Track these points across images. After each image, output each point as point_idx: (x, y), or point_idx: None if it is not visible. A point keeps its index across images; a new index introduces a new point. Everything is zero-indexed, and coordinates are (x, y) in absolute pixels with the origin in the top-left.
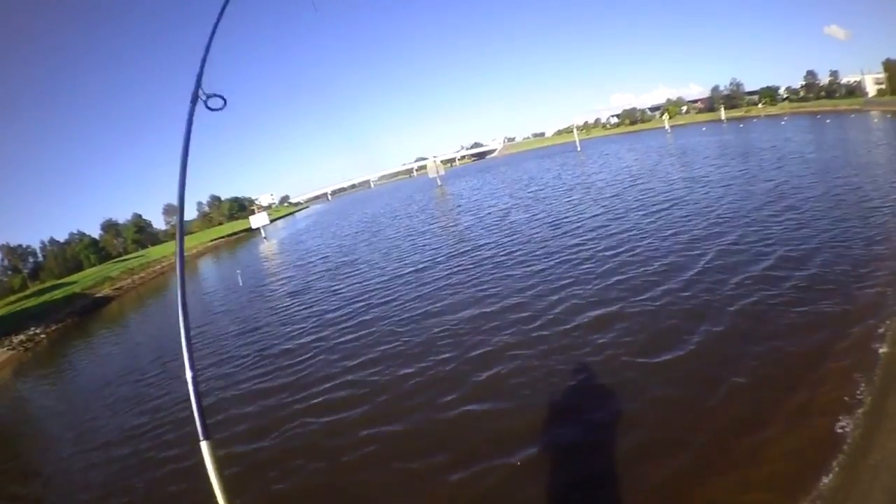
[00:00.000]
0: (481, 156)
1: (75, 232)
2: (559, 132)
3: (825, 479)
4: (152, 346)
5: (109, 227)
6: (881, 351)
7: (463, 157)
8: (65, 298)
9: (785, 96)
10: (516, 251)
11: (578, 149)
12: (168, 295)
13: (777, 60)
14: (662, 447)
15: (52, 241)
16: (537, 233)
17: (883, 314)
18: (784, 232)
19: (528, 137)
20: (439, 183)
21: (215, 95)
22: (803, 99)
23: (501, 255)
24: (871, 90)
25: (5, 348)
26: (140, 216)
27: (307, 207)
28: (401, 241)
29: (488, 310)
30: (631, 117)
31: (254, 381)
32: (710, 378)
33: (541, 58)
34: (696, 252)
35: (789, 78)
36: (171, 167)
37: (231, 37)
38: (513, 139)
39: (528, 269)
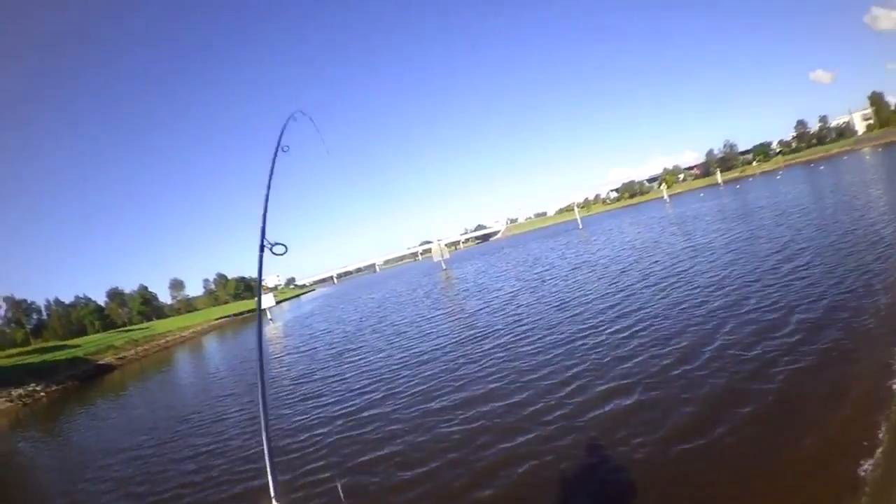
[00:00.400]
0: (485, 238)
1: (81, 296)
2: (560, 210)
3: None
4: (151, 421)
5: (115, 295)
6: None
7: (467, 240)
8: (67, 360)
9: (778, 150)
10: (524, 338)
11: (580, 226)
12: (172, 371)
13: (768, 115)
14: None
15: (58, 302)
16: (545, 317)
17: None
18: (794, 291)
19: (531, 217)
20: (444, 266)
21: (279, 244)
22: (796, 150)
23: (510, 343)
24: (860, 127)
25: (3, 399)
26: (146, 288)
27: (313, 290)
28: (407, 328)
29: (497, 404)
30: (630, 190)
31: (245, 478)
32: (706, 434)
33: (539, 138)
34: (710, 325)
35: (781, 130)
36: (177, 240)
37: (233, 110)
38: (515, 220)
39: (538, 358)
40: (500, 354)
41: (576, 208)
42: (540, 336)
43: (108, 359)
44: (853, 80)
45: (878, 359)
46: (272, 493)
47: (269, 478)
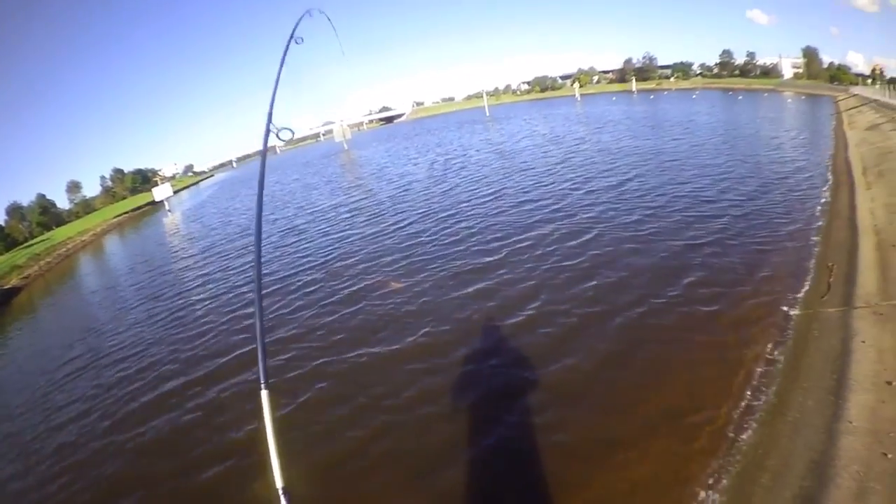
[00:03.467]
0: (390, 120)
1: None
2: (469, 97)
3: (744, 436)
4: (65, 340)
5: (14, 210)
6: (793, 314)
7: (371, 122)
8: None
9: (698, 72)
10: (432, 231)
11: (487, 114)
12: (76, 281)
13: (694, 40)
14: (576, 421)
15: None
16: (455, 208)
17: (796, 279)
18: (715, 214)
19: (438, 102)
20: (346, 147)
21: (285, 128)
22: (717, 76)
23: (411, 237)
24: (788, 73)
25: None
26: (44, 196)
27: (212, 176)
28: (305, 219)
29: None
30: (541, 84)
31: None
32: (624, 350)
33: (450, 21)
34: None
35: (705, 56)
36: (74, 139)
37: None
38: (422, 104)
39: (462, 253)
40: (403, 263)
41: (485, 96)
42: (442, 241)
43: (13, 282)
44: (790, 30)
45: (771, 280)
46: (261, 382)
47: (260, 367)
